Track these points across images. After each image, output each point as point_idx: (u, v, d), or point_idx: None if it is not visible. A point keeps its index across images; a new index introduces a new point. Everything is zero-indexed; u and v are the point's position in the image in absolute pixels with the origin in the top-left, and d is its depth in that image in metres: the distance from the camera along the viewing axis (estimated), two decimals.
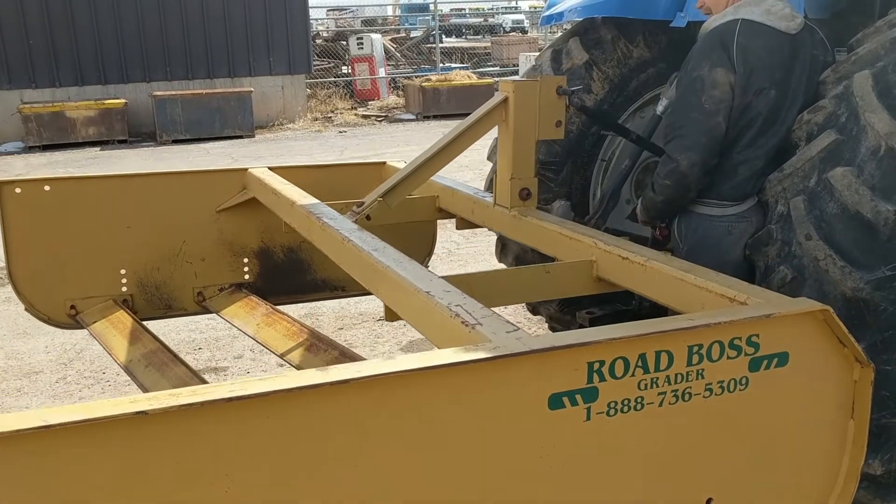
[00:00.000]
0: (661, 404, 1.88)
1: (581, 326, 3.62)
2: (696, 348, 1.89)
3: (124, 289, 3.89)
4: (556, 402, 1.75)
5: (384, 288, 2.38)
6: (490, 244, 5.20)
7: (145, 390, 3.09)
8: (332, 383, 1.50)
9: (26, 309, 3.78)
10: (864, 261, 2.43)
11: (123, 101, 13.75)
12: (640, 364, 1.83)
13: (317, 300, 4.39)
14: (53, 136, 13.20)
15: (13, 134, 13.45)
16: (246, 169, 3.97)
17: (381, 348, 4.92)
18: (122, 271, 3.87)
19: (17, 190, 3.61)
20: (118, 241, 3.82)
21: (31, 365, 4.65)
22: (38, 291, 3.75)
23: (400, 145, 13.35)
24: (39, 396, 4.28)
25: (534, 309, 4.29)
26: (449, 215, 3.72)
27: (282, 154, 12.66)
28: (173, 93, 13.91)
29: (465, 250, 7.25)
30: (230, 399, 1.43)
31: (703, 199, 2.98)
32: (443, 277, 2.40)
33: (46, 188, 3.66)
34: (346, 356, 3.24)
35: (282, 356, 3.40)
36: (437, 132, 14.62)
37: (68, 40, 13.89)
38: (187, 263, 3.98)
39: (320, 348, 3.36)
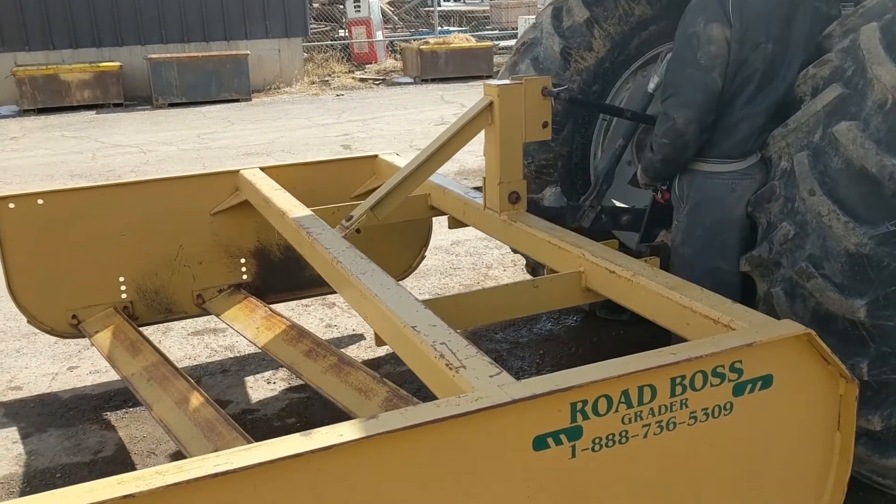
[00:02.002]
0: (645, 436, 1.91)
1: None
2: (678, 379, 1.91)
3: (124, 295, 3.93)
4: (540, 443, 1.78)
5: (372, 314, 2.41)
6: None
7: (148, 406, 3.14)
8: (315, 451, 1.53)
9: (29, 321, 3.83)
10: (868, 216, 2.42)
11: (118, 64, 13.59)
12: (623, 400, 1.85)
13: (316, 296, 4.42)
14: (48, 99, 13.07)
15: (8, 97, 13.30)
16: (238, 171, 3.97)
17: None
18: (121, 278, 3.91)
19: (11, 205, 3.62)
20: (115, 249, 3.84)
21: (29, 326, 4.70)
22: (39, 303, 3.79)
23: (398, 108, 13.27)
24: (38, 357, 4.33)
25: (533, 270, 4.26)
26: (441, 213, 3.73)
27: (279, 117, 12.60)
28: (169, 56, 13.71)
29: None
30: (216, 475, 1.46)
31: (704, 158, 2.95)
32: (431, 302, 2.42)
33: (40, 202, 3.68)
34: (344, 362, 3.28)
35: (282, 362, 3.45)
36: (434, 95, 14.50)
37: (62, 2, 13.66)
38: (185, 267, 4.01)
39: (319, 354, 3.40)
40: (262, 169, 3.99)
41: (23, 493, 3.14)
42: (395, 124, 11.84)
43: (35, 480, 3.24)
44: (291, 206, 3.34)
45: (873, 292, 2.42)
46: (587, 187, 3.97)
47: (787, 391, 2.04)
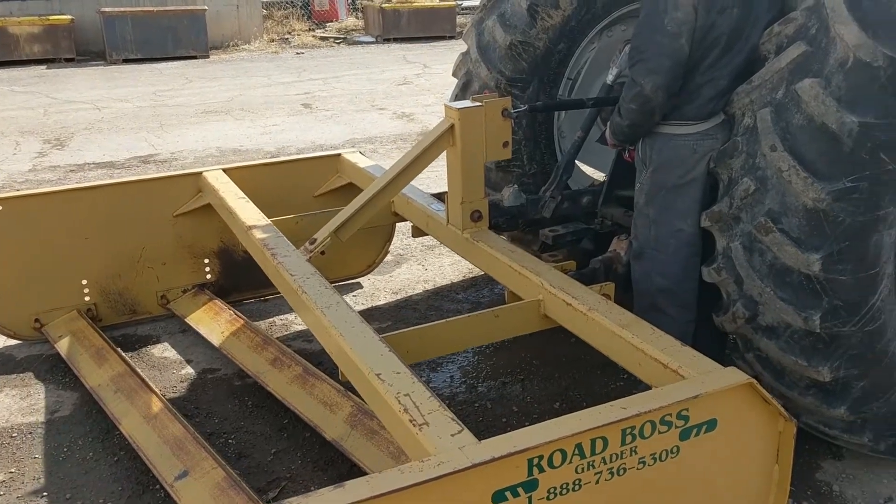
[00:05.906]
0: (597, 482, 2.03)
1: (544, 244, 3.68)
2: (629, 430, 2.02)
3: (87, 298, 3.94)
4: (498, 497, 1.89)
5: (336, 352, 2.47)
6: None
7: (116, 421, 3.19)
8: None
9: None
10: (826, 172, 2.49)
11: (70, 17, 13.20)
12: (576, 452, 1.96)
13: (278, 293, 4.46)
14: None
15: None
16: (200, 172, 3.97)
17: None
18: (84, 281, 3.91)
19: None
20: (77, 252, 3.84)
21: None
22: (1, 308, 3.79)
23: (359, 68, 13.16)
24: None
25: (495, 229, 4.28)
26: (404, 219, 3.78)
27: (238, 75, 12.44)
28: (122, 10, 13.33)
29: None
30: None
31: (666, 120, 2.98)
32: (394, 337, 2.49)
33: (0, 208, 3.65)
34: (309, 373, 3.35)
35: (247, 371, 3.51)
36: (397, 55, 14.37)
37: None
38: (148, 268, 4.02)
39: (284, 363, 3.46)
40: (225, 170, 3.99)
41: None
42: (357, 84, 11.76)
43: None
44: (255, 220, 3.36)
45: (828, 247, 2.51)
46: (551, 147, 4.04)
47: (730, 432, 2.17)
